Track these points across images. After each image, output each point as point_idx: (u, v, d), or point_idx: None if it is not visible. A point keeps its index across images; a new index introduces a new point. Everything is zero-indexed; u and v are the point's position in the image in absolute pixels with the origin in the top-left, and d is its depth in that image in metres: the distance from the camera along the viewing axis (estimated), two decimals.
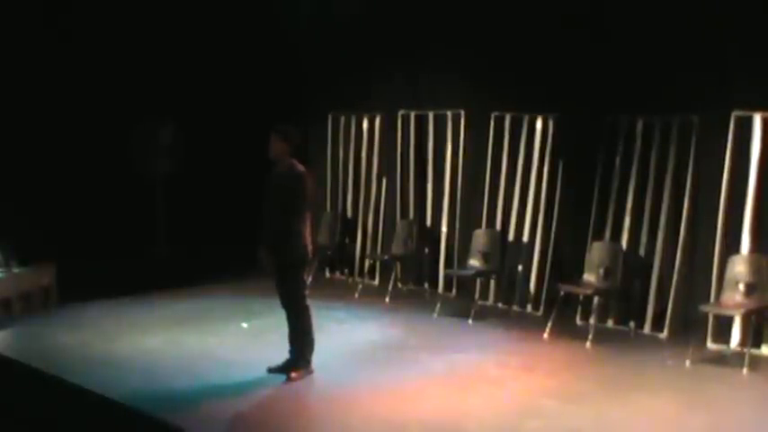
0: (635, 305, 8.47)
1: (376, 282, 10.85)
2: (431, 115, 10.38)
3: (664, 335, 8.25)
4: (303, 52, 11.58)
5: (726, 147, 7.89)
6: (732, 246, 7.86)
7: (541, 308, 9.12)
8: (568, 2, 8.91)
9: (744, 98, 7.77)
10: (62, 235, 9.79)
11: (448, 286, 10.10)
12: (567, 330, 8.39)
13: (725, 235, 7.90)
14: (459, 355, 7.75)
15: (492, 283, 9.51)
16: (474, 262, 9.48)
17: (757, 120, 7.79)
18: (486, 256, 9.42)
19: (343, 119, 11.36)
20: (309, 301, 6.92)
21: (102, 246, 10.21)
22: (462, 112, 10.01)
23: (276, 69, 11.44)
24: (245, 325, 8.72)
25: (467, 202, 10.00)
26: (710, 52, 7.95)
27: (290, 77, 11.53)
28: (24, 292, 9.16)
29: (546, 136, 9.30)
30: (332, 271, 11.41)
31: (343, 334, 8.41)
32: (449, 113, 10.15)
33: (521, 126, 9.50)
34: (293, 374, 6.82)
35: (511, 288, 9.47)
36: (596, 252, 8.56)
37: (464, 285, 9.83)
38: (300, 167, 6.86)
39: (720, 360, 7.58)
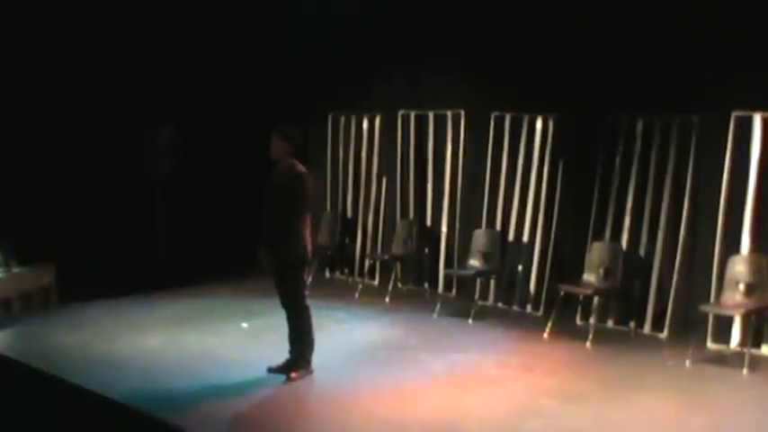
0: (635, 305, 8.47)
1: (376, 282, 10.85)
2: (431, 115, 10.38)
3: (664, 335, 8.25)
4: (303, 52, 11.57)
5: (726, 147, 7.89)
6: (732, 246, 7.86)
7: (541, 308, 9.12)
8: (568, 2, 8.91)
9: (744, 98, 7.77)
10: (62, 235, 9.80)
11: (448, 286, 10.10)
12: (567, 330, 8.40)
13: (725, 235, 7.90)
14: (459, 355, 7.75)
15: (492, 283, 9.51)
16: (474, 262, 9.48)
17: (757, 120, 7.79)
18: (486, 256, 9.42)
19: (343, 119, 11.36)
20: (309, 301, 6.93)
21: (103, 246, 10.22)
22: (462, 112, 10.01)
23: (276, 69, 11.44)
24: (245, 325, 8.72)
25: (467, 202, 10.00)
26: (710, 52, 7.95)
27: (290, 77, 11.53)
28: (24, 292, 9.17)
29: (546, 136, 9.30)
30: (332, 271, 11.41)
31: (343, 334, 8.41)
32: (449, 113, 10.15)
33: (521, 126, 9.50)
34: (293, 374, 6.82)
35: (511, 288, 9.47)
36: (596, 252, 8.56)
37: (464, 285, 9.83)
38: (301, 168, 6.86)
39: (720, 360, 7.58)
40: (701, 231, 8.19)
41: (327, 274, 11.35)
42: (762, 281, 7.54)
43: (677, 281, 8.23)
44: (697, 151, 8.19)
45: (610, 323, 8.61)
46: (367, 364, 7.48)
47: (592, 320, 8.40)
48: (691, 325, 7.95)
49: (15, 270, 9.20)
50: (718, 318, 7.80)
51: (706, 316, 7.76)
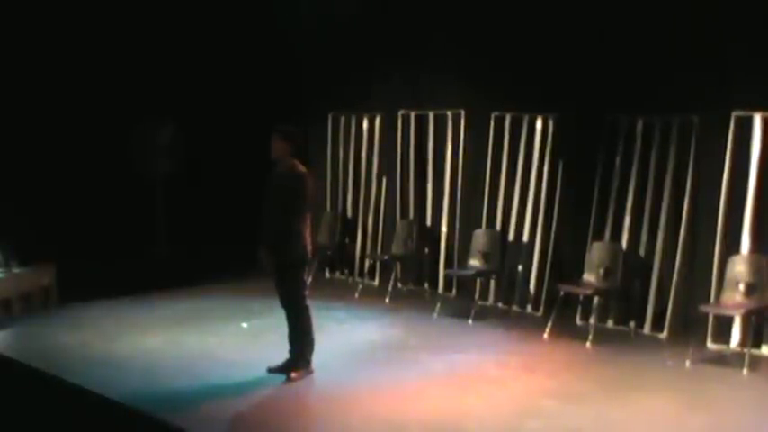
0: (635, 305, 8.47)
1: (376, 282, 10.85)
2: (431, 115, 10.38)
3: (664, 335, 8.25)
4: (303, 52, 11.57)
5: (726, 147, 7.89)
6: (732, 246, 7.86)
7: (541, 308, 9.12)
8: (568, 2, 8.91)
9: (744, 98, 7.77)
10: (62, 235, 9.80)
11: (448, 286, 10.10)
12: (567, 330, 8.40)
13: (725, 235, 7.90)
14: (459, 356, 7.75)
15: (492, 283, 9.51)
16: (474, 262, 9.48)
17: (757, 120, 7.79)
18: (486, 256, 9.42)
19: (343, 119, 11.36)
20: (309, 301, 6.92)
21: (102, 246, 10.22)
22: (462, 112, 10.01)
23: (276, 69, 11.44)
24: (245, 325, 8.72)
25: (467, 202, 10.00)
26: (710, 52, 7.94)
27: (290, 77, 11.53)
28: (24, 292, 9.16)
29: (546, 136, 9.30)
30: (332, 271, 11.41)
31: (343, 334, 8.41)
32: (449, 113, 10.15)
33: (521, 126, 9.50)
34: (293, 374, 6.82)
35: (511, 288, 9.47)
36: (596, 252, 8.56)
37: (464, 285, 9.83)
38: (301, 168, 6.86)
39: (720, 360, 7.59)
40: (701, 231, 8.19)
41: (327, 274, 11.35)
42: (762, 281, 7.54)
43: (677, 281, 8.23)
44: (697, 151, 8.20)
45: (610, 323, 8.61)
46: (367, 364, 7.48)
47: (592, 320, 8.40)
48: (691, 325, 7.95)
49: (15, 270, 9.19)
50: (718, 318, 7.80)
51: (706, 316, 7.76)
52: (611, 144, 8.73)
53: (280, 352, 6.93)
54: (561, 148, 9.16)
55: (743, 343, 7.60)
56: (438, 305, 9.35)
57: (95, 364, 7.28)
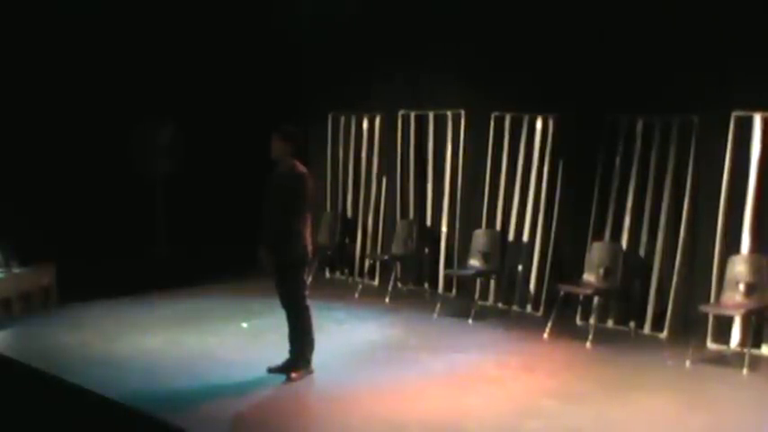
0: (635, 305, 8.47)
1: (376, 282, 10.85)
2: (431, 115, 10.38)
3: (664, 335, 8.25)
4: (303, 52, 11.58)
5: (726, 147, 7.89)
6: (732, 246, 7.86)
7: (541, 308, 9.12)
8: (569, 2, 8.91)
9: (744, 98, 7.77)
10: (62, 235, 9.80)
11: (448, 286, 10.10)
12: (566, 330, 8.39)
13: (725, 235, 7.91)
14: (459, 356, 7.75)
15: (492, 283, 9.51)
16: (474, 262, 9.48)
17: (757, 120, 7.79)
18: (486, 257, 9.42)
19: (343, 119, 11.36)
20: (309, 301, 6.92)
21: (102, 246, 10.22)
22: (462, 112, 10.01)
23: (276, 69, 11.45)
24: (245, 325, 8.72)
25: (467, 202, 10.00)
26: (710, 52, 7.94)
27: (290, 77, 11.53)
28: (24, 292, 9.16)
29: (546, 136, 9.30)
30: (332, 271, 11.41)
31: (343, 334, 8.41)
32: (449, 113, 10.15)
33: (521, 126, 9.50)
34: (293, 374, 6.82)
35: (511, 288, 9.47)
36: (596, 252, 8.56)
37: (464, 285, 9.83)
38: (301, 168, 6.85)
39: (720, 360, 7.59)
40: (701, 231, 8.19)
41: (327, 275, 11.35)
42: (762, 281, 7.54)
43: (677, 281, 8.23)
44: (697, 151, 8.20)
45: (610, 323, 8.61)
46: (367, 364, 7.48)
47: (592, 320, 8.40)
48: (691, 325, 7.95)
49: (15, 270, 9.19)
50: (718, 318, 7.80)
51: (706, 316, 7.76)
52: (611, 144, 8.73)
53: (280, 352, 6.93)
54: (561, 148, 9.16)
55: (743, 343, 7.60)
56: (438, 305, 9.35)
57: (95, 364, 7.28)
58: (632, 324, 8.42)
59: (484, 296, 9.55)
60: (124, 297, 9.74)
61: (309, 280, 7.36)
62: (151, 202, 11.38)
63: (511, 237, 9.54)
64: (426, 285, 10.35)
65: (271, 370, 6.89)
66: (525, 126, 9.47)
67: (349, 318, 9.10)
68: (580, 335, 8.23)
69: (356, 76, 10.94)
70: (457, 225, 10.07)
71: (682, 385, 6.92)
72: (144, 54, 10.76)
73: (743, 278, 7.61)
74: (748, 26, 7.72)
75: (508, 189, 9.60)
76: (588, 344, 8.01)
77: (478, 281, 9.46)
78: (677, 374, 7.21)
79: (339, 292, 10.30)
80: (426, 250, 10.36)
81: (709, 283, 7.90)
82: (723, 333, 7.82)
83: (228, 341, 8.15)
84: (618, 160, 8.68)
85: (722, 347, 7.79)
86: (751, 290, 7.54)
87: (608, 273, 8.38)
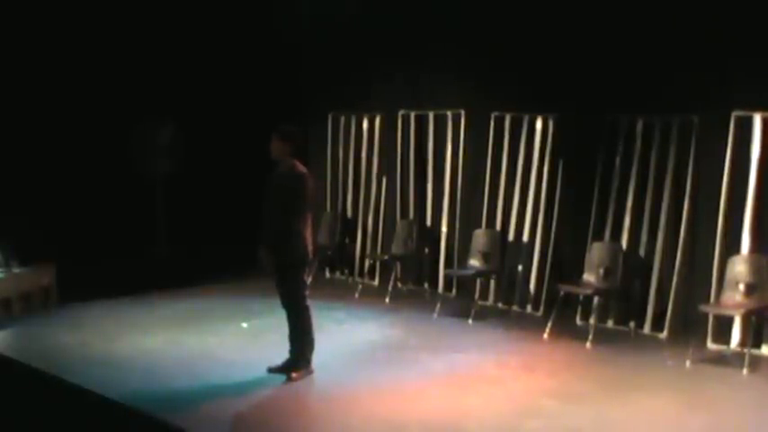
0: (635, 305, 8.47)
1: (376, 282, 10.84)
2: (431, 115, 10.38)
3: (664, 335, 8.25)
4: (303, 52, 11.58)
5: (726, 147, 7.89)
6: (732, 246, 7.86)
7: (541, 308, 9.12)
8: (569, 2, 8.91)
9: (744, 98, 7.76)
10: (62, 235, 9.80)
11: (448, 286, 10.10)
12: (566, 330, 8.39)
13: (725, 235, 7.90)
14: (460, 355, 7.75)
15: (492, 283, 9.51)
16: (474, 262, 9.48)
17: (757, 120, 7.79)
18: (486, 256, 9.42)
19: (343, 119, 11.36)
20: (309, 301, 6.92)
21: (103, 246, 10.21)
22: (462, 112, 10.01)
23: (276, 69, 11.44)
24: (245, 325, 8.72)
25: (467, 202, 10.00)
26: (710, 52, 7.94)
27: (290, 77, 11.53)
28: (24, 292, 9.16)
29: (546, 136, 9.30)
30: (332, 271, 11.41)
31: (343, 334, 8.41)
32: (449, 113, 10.15)
33: (521, 126, 9.50)
34: (293, 374, 6.82)
35: (511, 288, 9.47)
36: (596, 252, 8.55)
37: (464, 285, 9.83)
38: (302, 168, 6.85)
39: (720, 360, 7.58)
40: (701, 231, 8.19)
41: (327, 275, 11.35)
42: (762, 281, 7.54)
43: (677, 281, 8.23)
44: (697, 151, 8.19)
45: (610, 323, 8.61)
46: (367, 364, 7.48)
47: (592, 320, 8.40)
48: (691, 325, 7.95)
49: (15, 270, 9.19)
50: (718, 318, 7.79)
51: (706, 316, 7.76)
52: (611, 144, 8.72)
53: (280, 352, 6.93)
54: (561, 148, 9.16)
55: (743, 343, 7.60)
56: (438, 305, 9.35)
57: (95, 364, 7.28)
58: (632, 324, 8.42)
59: (484, 296, 9.55)
60: (124, 297, 9.74)
61: (310, 280, 7.35)
62: (151, 202, 11.38)
63: (511, 237, 9.54)
64: (426, 285, 10.35)
65: (271, 370, 6.89)
66: (525, 126, 9.47)
67: (349, 318, 9.10)
68: (580, 335, 8.23)
69: (356, 76, 10.94)
70: (457, 225, 10.07)
71: (682, 385, 6.92)
72: (144, 54, 10.76)
73: (743, 278, 7.61)
74: (748, 26, 7.72)
75: (508, 189, 9.60)
76: (588, 344, 8.00)
77: (478, 281, 9.46)
78: (677, 374, 7.21)
79: (339, 293, 10.30)
80: (426, 250, 10.36)
81: (709, 283, 7.90)
82: (723, 333, 7.81)
83: (228, 341, 8.15)
84: (618, 160, 8.68)
85: (722, 347, 7.78)
86: (751, 290, 7.54)
87: (608, 273, 8.38)
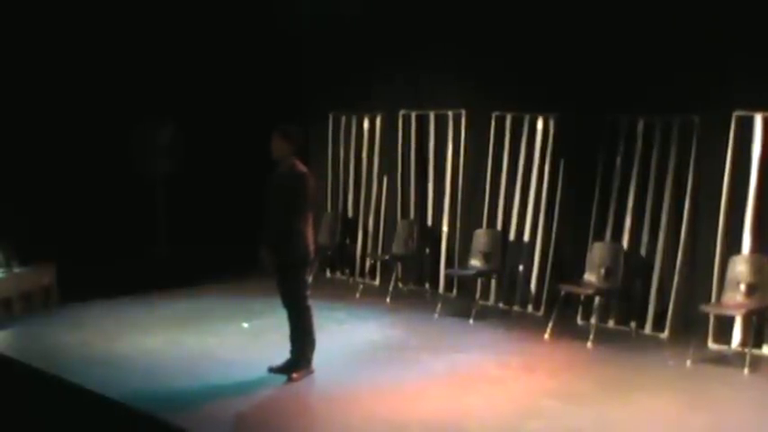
0: (636, 305, 8.47)
1: (377, 282, 10.84)
2: (432, 115, 10.38)
3: (665, 335, 8.25)
4: (303, 52, 11.57)
5: (727, 147, 7.89)
6: (733, 246, 7.86)
7: (542, 308, 9.12)
8: (569, 2, 8.90)
9: (745, 98, 7.77)
10: (62, 235, 9.80)
11: (449, 286, 10.09)
12: (567, 330, 8.39)
13: (726, 235, 7.90)
14: (460, 356, 7.74)
15: (493, 283, 9.51)
16: (475, 262, 9.48)
17: (758, 120, 7.79)
18: (486, 256, 9.41)
19: (343, 119, 11.36)
20: (310, 301, 6.91)
21: (103, 246, 10.21)
22: (463, 112, 10.01)
23: (276, 69, 11.44)
24: (245, 325, 8.71)
25: (467, 201, 10.00)
26: (711, 52, 7.94)
27: (290, 77, 11.53)
28: (25, 292, 9.16)
29: (547, 136, 9.29)
30: (332, 271, 11.41)
31: (343, 334, 8.41)
32: (450, 113, 10.15)
33: (522, 126, 9.50)
34: (294, 374, 6.81)
35: (512, 288, 9.47)
36: (597, 252, 8.55)
37: (465, 285, 9.82)
38: (302, 167, 6.85)
39: (721, 360, 7.58)
40: (702, 231, 8.19)
41: (328, 275, 11.35)
42: (763, 281, 7.53)
43: (678, 281, 8.23)
44: (698, 151, 8.19)
45: (611, 323, 8.60)
46: (368, 364, 7.48)
47: (593, 320, 8.39)
48: (692, 325, 7.95)
49: (16, 270, 9.19)
50: (719, 318, 7.79)
51: (707, 316, 7.76)
52: (611, 144, 8.72)
53: (280, 352, 6.93)
54: (562, 148, 9.16)
55: (744, 343, 7.60)
56: (439, 305, 9.35)
57: (96, 364, 7.27)
58: (633, 324, 8.42)
59: (485, 296, 9.55)
60: (124, 297, 9.74)
61: (310, 280, 7.35)
62: (151, 202, 11.37)
63: (512, 236, 9.54)
64: (427, 285, 10.34)
65: (272, 370, 6.88)
66: (526, 126, 9.47)
67: (350, 318, 9.10)
68: (581, 335, 8.22)
69: (357, 76, 10.94)
70: (458, 225, 10.06)
71: (683, 385, 6.92)
72: (144, 54, 10.75)
73: (744, 278, 7.60)
74: (748, 26, 7.72)
75: (509, 189, 9.60)
76: (589, 344, 8.00)
77: (479, 281, 9.46)
78: (678, 374, 7.20)
79: (340, 293, 10.30)
80: (427, 250, 10.36)
81: (710, 283, 7.89)
82: (724, 333, 7.81)
83: (229, 341, 8.15)
84: (619, 160, 8.68)
85: (723, 347, 7.78)
86: (752, 290, 7.54)
87: (609, 273, 8.38)
